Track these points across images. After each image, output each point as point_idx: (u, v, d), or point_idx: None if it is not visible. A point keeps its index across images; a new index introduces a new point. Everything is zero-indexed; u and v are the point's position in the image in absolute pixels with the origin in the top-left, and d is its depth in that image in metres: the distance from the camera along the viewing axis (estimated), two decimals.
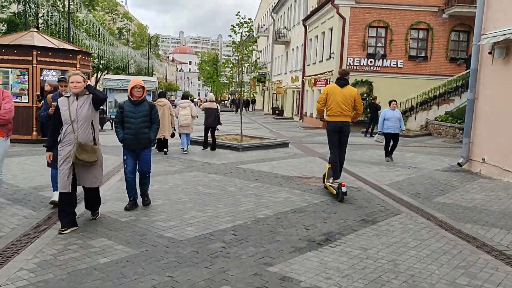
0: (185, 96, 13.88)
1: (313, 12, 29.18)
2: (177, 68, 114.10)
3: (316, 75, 27.77)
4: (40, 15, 33.78)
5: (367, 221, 6.19)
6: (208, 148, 13.56)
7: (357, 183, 9.08)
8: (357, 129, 21.35)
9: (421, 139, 20.06)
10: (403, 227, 5.96)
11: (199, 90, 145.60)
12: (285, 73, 40.38)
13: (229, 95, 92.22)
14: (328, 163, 8.40)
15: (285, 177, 9.45)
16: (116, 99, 27.81)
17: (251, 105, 47.97)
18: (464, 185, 9.24)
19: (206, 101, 13.74)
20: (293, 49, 37.67)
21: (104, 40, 37.30)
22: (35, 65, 12.81)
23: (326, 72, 25.97)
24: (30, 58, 12.77)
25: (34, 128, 12.93)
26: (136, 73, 52.20)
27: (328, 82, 25.31)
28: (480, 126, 10.94)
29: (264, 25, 55.88)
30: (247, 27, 15.61)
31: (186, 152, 12.48)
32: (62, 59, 13.32)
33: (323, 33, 27.82)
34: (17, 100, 13.02)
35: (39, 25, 33.60)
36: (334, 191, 7.56)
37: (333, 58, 25.01)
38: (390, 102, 12.64)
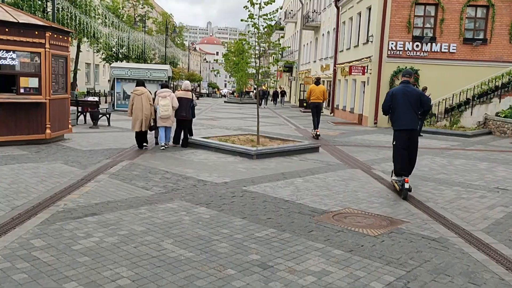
0: (165, 85, 11.72)
1: None
2: (202, 58, 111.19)
3: (351, 62, 23.95)
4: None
5: None
6: (179, 145, 11.81)
7: (433, 226, 5.55)
8: None
9: (481, 140, 16.14)
10: None
11: (225, 81, 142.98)
12: (314, 62, 36.65)
13: (254, 87, 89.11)
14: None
15: (316, 212, 6.01)
16: (125, 90, 24.91)
17: (280, 98, 43.67)
18: None
19: (180, 90, 12.31)
20: (323, 34, 33.86)
21: (114, 26, 34.42)
22: None
23: (363, 59, 22.15)
24: None
25: None
26: (160, 63, 49.59)
27: (366, 70, 21.53)
28: None
29: (291, 10, 52.01)
30: None
31: (164, 147, 11.33)
32: (24, 37, 10.21)
33: (359, 13, 23.96)
34: None
35: (46, 10, 31.15)
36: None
37: (371, 42, 21.17)
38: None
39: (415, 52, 20.73)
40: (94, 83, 54.16)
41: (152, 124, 11.24)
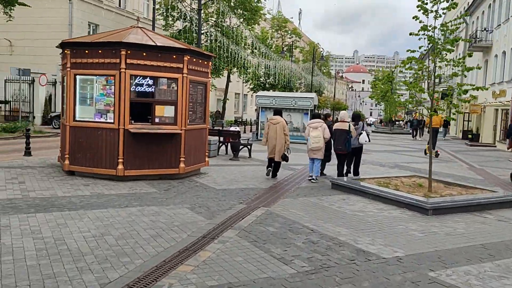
0: (316, 115, 11.29)
1: None
2: (348, 87, 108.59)
3: None
4: (202, 31, 32.57)
5: None
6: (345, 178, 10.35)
7: None
8: None
9: None
10: None
11: (371, 109, 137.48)
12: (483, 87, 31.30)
13: (405, 115, 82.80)
14: None
15: None
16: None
17: (443, 129, 36.86)
18: None
19: (337, 121, 11.55)
20: (496, 55, 28.78)
21: (262, 55, 34.35)
22: (123, 70, 9.02)
23: None
24: (117, 61, 9.04)
25: (120, 159, 9.09)
26: (306, 91, 48.87)
27: None
28: None
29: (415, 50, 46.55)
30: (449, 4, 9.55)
31: (315, 181, 10.47)
32: (161, 61, 9.28)
33: None
34: (102, 119, 9.40)
35: (201, 40, 32.50)
36: None
37: None
38: None
39: None
40: (242, 112, 55.84)
41: (287, 154, 10.64)
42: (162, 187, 8.90)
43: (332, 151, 11.13)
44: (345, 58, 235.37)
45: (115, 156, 9.19)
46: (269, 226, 6.35)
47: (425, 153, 18.32)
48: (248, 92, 50.33)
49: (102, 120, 9.37)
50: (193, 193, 8.46)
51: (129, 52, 9.07)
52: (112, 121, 9.24)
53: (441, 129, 36.05)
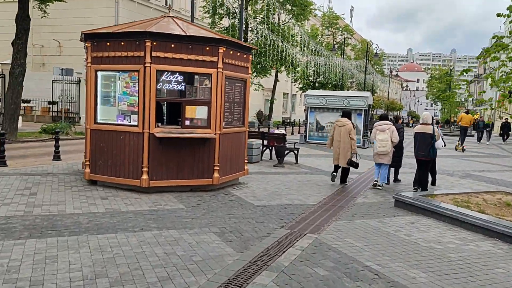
0: (384, 116, 10.64)
1: None
2: (402, 86, 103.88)
3: None
4: (249, 28, 31.32)
5: None
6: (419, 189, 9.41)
7: None
8: None
9: None
10: None
11: (426, 109, 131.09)
12: None
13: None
14: None
15: None
16: (319, 120, 22.15)
17: (486, 132, 31.48)
18: None
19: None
20: None
21: (312, 52, 32.60)
22: (148, 64, 7.75)
23: None
24: (142, 54, 7.79)
25: (145, 168, 7.83)
26: (357, 90, 46.52)
27: None
28: None
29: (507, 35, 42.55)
30: None
31: (381, 188, 9.80)
32: (192, 54, 7.93)
33: None
34: (125, 122, 8.19)
35: (248, 38, 31.24)
36: None
37: None
38: None
39: None
40: (290, 112, 54.15)
41: (354, 160, 9.88)
42: (191, 202, 7.54)
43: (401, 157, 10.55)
44: (399, 57, 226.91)
45: (139, 165, 7.93)
46: (318, 266, 4.78)
47: (456, 149, 21.27)
48: (297, 91, 48.61)
49: (125, 122, 8.15)
50: (226, 211, 7.03)
51: (154, 43, 7.78)
52: (136, 123, 7.99)
53: (469, 130, 31.26)
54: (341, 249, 5.40)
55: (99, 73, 8.30)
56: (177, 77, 8.03)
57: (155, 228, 5.86)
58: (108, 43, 8.05)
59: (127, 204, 7.10)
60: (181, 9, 32.24)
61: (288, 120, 42.74)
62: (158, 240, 5.38)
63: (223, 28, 31.03)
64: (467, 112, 26.83)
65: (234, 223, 6.36)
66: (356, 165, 9.86)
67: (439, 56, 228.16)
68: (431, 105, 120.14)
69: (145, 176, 7.88)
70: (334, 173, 10.11)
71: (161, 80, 7.97)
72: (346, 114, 10.38)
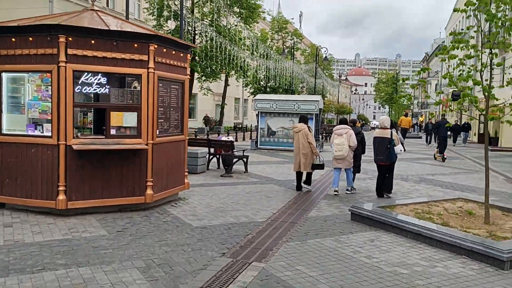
0: (343, 120, 10.48)
1: None
2: (351, 90, 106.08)
3: None
4: (197, 31, 30.13)
5: None
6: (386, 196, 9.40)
7: None
8: None
9: None
10: None
11: (374, 113, 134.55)
12: (500, 86, 28.69)
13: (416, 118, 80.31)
14: None
15: None
16: (269, 125, 21.35)
17: (463, 134, 30.36)
18: None
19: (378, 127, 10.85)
20: None
21: (262, 56, 31.95)
22: (63, 64, 6.53)
23: None
24: (55, 51, 6.56)
25: (61, 186, 6.58)
26: (308, 94, 46.35)
27: None
28: None
29: (462, 29, 44.14)
30: None
31: (336, 193, 9.51)
32: (118, 52, 6.80)
33: None
34: (36, 132, 6.89)
35: (195, 41, 30.04)
36: None
37: None
38: None
39: None
40: (242, 117, 53.27)
41: (317, 162, 9.73)
42: (117, 226, 6.36)
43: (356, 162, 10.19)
44: (347, 62, 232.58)
45: (54, 183, 6.66)
46: None
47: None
48: (249, 96, 47.91)
49: (37, 133, 6.86)
50: (158, 236, 5.93)
51: (70, 39, 6.57)
52: (49, 134, 6.71)
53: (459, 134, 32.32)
54: (292, 282, 4.45)
55: (4, 75, 6.95)
56: (99, 78, 6.84)
57: (61, 266, 4.67)
58: (13, 39, 6.73)
59: (34, 233, 5.82)
60: (123, 11, 30.57)
61: (240, 126, 41.84)
62: (61, 284, 4.21)
63: (169, 31, 29.70)
64: (406, 115, 31.27)
65: (165, 252, 5.27)
66: (321, 166, 9.77)
67: (385, 61, 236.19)
68: (379, 108, 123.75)
69: (61, 197, 6.61)
70: (299, 184, 9.91)
71: (80, 82, 6.75)
72: (302, 118, 10.13)
